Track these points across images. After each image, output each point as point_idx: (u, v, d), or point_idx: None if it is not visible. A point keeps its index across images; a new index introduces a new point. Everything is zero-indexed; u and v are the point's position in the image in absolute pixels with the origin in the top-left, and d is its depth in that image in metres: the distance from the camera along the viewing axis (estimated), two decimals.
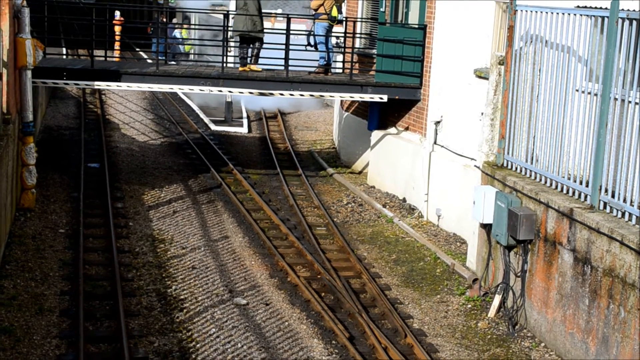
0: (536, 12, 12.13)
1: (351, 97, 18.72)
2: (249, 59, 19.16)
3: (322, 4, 19.28)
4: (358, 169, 21.22)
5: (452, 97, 16.66)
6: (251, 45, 19.29)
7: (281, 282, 13.46)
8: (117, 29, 30.68)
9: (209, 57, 25.34)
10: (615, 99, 10.32)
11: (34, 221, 15.50)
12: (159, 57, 19.05)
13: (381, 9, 19.58)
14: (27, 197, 15.94)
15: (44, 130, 23.47)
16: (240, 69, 19.00)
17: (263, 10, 23.48)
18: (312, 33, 19.80)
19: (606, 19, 10.47)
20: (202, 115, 27.22)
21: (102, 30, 23.37)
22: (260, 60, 19.49)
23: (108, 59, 20.48)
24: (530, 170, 12.30)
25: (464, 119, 15.95)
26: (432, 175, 17.09)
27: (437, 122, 17.13)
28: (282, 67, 18.77)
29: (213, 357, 10.70)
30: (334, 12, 19.41)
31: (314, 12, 19.51)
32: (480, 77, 15.18)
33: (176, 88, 18.35)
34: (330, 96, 18.71)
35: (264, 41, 19.48)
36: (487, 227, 12.81)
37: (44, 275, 13.01)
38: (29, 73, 15.79)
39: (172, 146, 22.92)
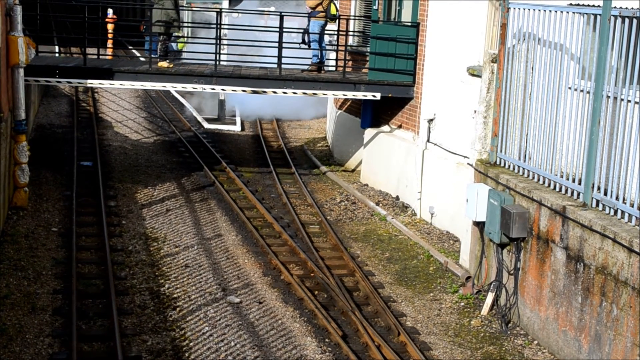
0: (529, 9, 12.14)
1: (344, 95, 18.72)
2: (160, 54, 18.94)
3: (321, 3, 19.25)
4: (351, 167, 21.22)
5: (445, 95, 16.67)
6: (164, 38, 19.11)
7: (274, 280, 13.46)
8: (110, 27, 30.59)
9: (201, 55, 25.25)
10: (608, 97, 10.33)
11: (26, 220, 15.47)
12: (152, 55, 18.99)
13: (374, 7, 19.59)
14: (19, 196, 15.91)
15: (36, 129, 23.42)
16: (159, 64, 18.55)
17: (257, 9, 23.37)
18: (306, 31, 19.76)
19: (599, 17, 10.48)
20: (195, 114, 27.19)
21: (94, 28, 23.31)
22: (253, 59, 19.42)
23: (101, 57, 20.42)
24: (523, 168, 12.32)
25: (457, 116, 15.96)
26: (425, 173, 17.10)
27: (430, 120, 17.13)
28: (275, 65, 18.78)
29: (206, 355, 10.69)
30: (333, 10, 19.41)
31: (310, 10, 19.48)
32: (473, 74, 15.19)
33: (169, 86, 18.32)
34: (323, 94, 18.71)
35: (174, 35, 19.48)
36: (480, 225, 12.83)
37: (37, 273, 12.99)
38: (22, 71, 15.76)
39: (165, 144, 22.89)
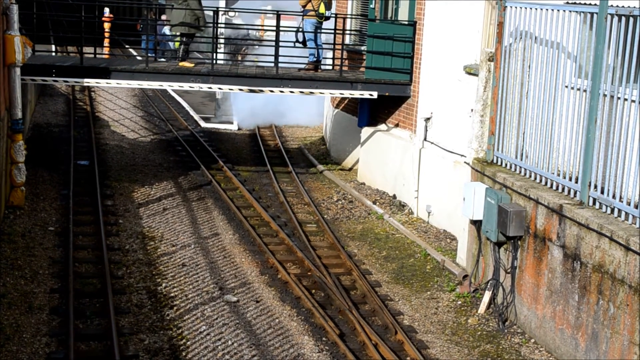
0: (525, 8, 12.15)
1: (341, 93, 18.71)
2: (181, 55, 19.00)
3: (310, 1, 19.23)
4: (348, 165, 21.22)
5: (442, 94, 16.67)
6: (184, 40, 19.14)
7: (271, 279, 13.45)
8: (107, 25, 30.61)
9: (198, 54, 25.27)
10: (605, 95, 10.34)
11: (23, 219, 15.45)
12: (149, 54, 18.98)
13: (371, 6, 19.58)
14: (16, 195, 15.89)
15: (33, 128, 23.40)
16: (181, 64, 18.63)
17: (255, 8, 23.35)
18: (300, 30, 19.74)
19: (595, 15, 10.49)
20: (192, 113, 27.17)
21: (91, 27, 23.30)
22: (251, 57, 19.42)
23: (97, 56, 20.41)
24: (520, 167, 12.32)
25: (454, 115, 15.97)
26: (422, 172, 17.10)
27: (427, 119, 17.14)
28: (272, 64, 18.77)
29: (203, 354, 10.69)
30: (322, 9, 19.35)
31: (302, 9, 19.48)
32: (470, 73, 15.19)
33: (166, 85, 18.30)
34: (320, 93, 18.70)
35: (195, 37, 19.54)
36: (477, 224, 12.83)
37: (34, 273, 12.97)
38: (18, 70, 15.73)
39: (162, 143, 22.88)
